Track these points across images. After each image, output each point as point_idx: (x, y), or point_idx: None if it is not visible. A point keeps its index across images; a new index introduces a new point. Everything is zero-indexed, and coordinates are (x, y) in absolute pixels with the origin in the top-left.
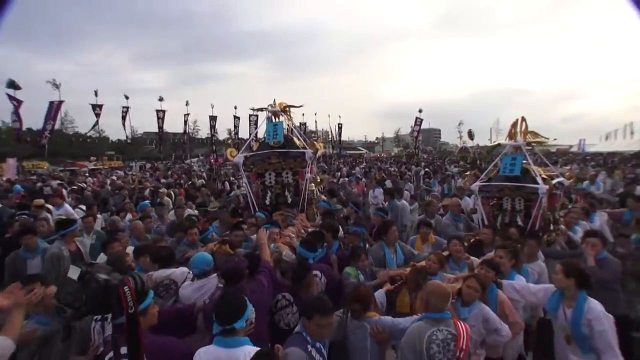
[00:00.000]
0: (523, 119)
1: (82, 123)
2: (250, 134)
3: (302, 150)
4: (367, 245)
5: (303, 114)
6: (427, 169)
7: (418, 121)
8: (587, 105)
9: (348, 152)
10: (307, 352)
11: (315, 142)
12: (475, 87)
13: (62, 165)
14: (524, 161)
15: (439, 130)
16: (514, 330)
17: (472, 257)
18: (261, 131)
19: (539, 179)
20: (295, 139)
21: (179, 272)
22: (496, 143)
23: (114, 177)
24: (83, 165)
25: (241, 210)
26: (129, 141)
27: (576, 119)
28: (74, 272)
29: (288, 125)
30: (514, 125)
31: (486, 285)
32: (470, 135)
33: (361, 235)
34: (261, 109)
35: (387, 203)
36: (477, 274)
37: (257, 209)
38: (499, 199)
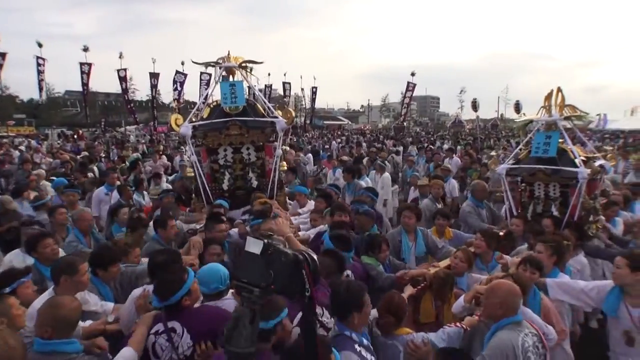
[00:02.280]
0: (559, 89)
1: None
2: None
3: (272, 118)
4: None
5: (269, 74)
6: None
7: (410, 86)
8: (611, 73)
9: (325, 122)
10: (357, 353)
11: (288, 108)
12: (482, 49)
13: None
14: (560, 140)
15: (438, 99)
16: (557, 339)
17: (505, 256)
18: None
19: (578, 161)
20: (258, 105)
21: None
22: (527, 119)
23: (22, 148)
24: None
25: (185, 196)
26: (42, 102)
27: (600, 89)
28: (255, 246)
29: (249, 86)
30: (548, 97)
31: (527, 288)
32: (474, 105)
33: (373, 216)
34: (209, 64)
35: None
36: (515, 274)
37: (210, 196)
38: (530, 184)
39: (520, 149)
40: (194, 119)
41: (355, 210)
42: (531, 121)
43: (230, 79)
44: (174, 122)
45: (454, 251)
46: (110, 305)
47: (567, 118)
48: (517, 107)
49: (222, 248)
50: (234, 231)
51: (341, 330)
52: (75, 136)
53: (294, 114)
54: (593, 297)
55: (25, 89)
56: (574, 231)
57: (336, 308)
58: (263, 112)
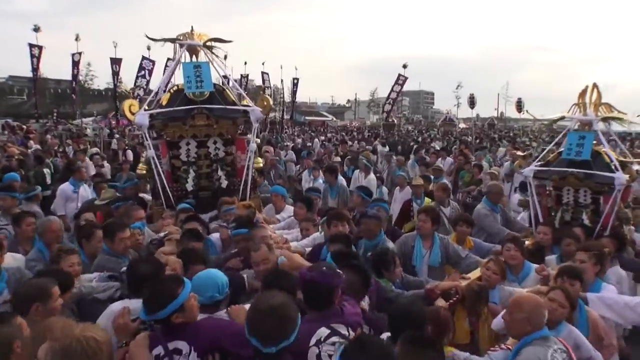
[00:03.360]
0: (595, 86)
1: None
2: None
3: (244, 106)
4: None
5: (245, 63)
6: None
7: (401, 79)
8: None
9: (307, 118)
10: None
11: (264, 95)
12: (481, 41)
13: None
14: (594, 142)
15: (432, 94)
16: (605, 355)
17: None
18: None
19: (614, 165)
20: (227, 92)
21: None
22: (560, 116)
23: None
24: None
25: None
26: None
27: (608, 88)
28: None
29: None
30: (583, 94)
31: (575, 302)
32: (472, 101)
33: (381, 220)
34: (168, 40)
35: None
36: (563, 286)
37: (172, 198)
38: (557, 189)
39: (542, 149)
40: (150, 107)
41: (363, 213)
42: (563, 117)
43: (194, 58)
44: (127, 108)
45: (479, 261)
46: None
47: (605, 119)
48: (520, 106)
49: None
50: (215, 236)
51: None
52: (23, 128)
53: (271, 102)
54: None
55: None
56: (613, 240)
57: (394, 329)
58: (233, 99)
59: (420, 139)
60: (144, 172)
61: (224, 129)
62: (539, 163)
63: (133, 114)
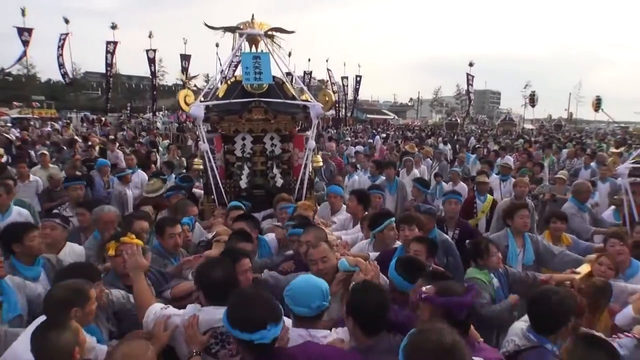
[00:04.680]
0: None
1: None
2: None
3: (305, 101)
4: None
5: (309, 60)
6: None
7: (469, 79)
8: None
9: (368, 116)
10: None
11: (327, 90)
12: (552, 39)
13: None
14: None
15: (499, 94)
16: None
17: None
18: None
19: None
20: (287, 85)
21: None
22: None
23: (49, 129)
24: (2, 113)
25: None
26: (68, 82)
27: None
28: None
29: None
30: None
31: None
32: (532, 100)
33: (435, 215)
34: (227, 29)
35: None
36: None
37: (224, 195)
38: None
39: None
40: (206, 98)
41: (416, 208)
42: None
43: (254, 49)
44: (182, 99)
45: (578, 259)
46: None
47: None
48: (598, 104)
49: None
50: (270, 236)
51: (542, 343)
52: (101, 121)
53: (333, 97)
54: None
55: (43, 69)
56: None
57: (542, 321)
58: (293, 94)
59: (480, 139)
60: (200, 166)
61: (282, 124)
62: (634, 161)
63: (188, 104)
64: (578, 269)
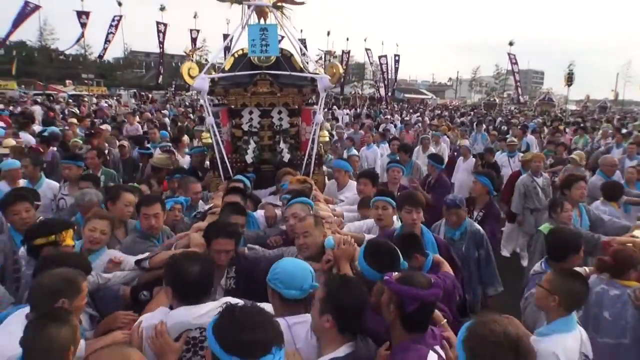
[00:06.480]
0: None
1: (64, 36)
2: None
3: (311, 73)
4: None
5: (347, 39)
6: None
7: (511, 58)
8: None
9: (406, 95)
10: None
11: (334, 62)
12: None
13: (33, 88)
14: None
15: (542, 73)
16: None
17: None
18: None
19: None
20: (295, 58)
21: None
22: None
23: (105, 104)
24: (59, 90)
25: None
26: (121, 61)
27: None
28: None
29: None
30: None
31: None
32: (570, 79)
33: (463, 206)
34: (234, 1)
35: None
36: None
37: (229, 170)
38: None
39: None
40: (213, 71)
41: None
42: None
43: (261, 20)
44: (186, 72)
45: (624, 225)
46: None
47: None
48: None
49: (236, 242)
50: (259, 213)
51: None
52: (149, 97)
53: (341, 70)
54: None
55: (96, 48)
56: None
57: (555, 251)
58: (302, 66)
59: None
60: (209, 140)
61: (290, 98)
62: None
63: (192, 77)
64: (635, 232)
